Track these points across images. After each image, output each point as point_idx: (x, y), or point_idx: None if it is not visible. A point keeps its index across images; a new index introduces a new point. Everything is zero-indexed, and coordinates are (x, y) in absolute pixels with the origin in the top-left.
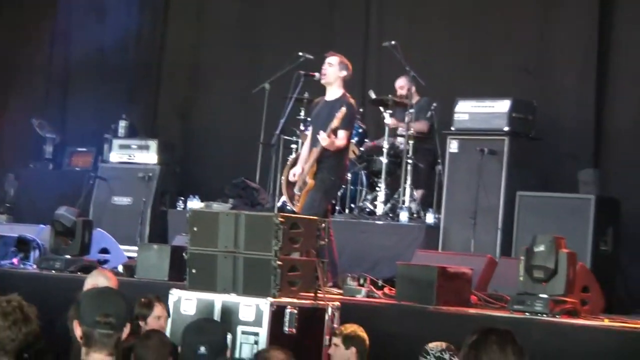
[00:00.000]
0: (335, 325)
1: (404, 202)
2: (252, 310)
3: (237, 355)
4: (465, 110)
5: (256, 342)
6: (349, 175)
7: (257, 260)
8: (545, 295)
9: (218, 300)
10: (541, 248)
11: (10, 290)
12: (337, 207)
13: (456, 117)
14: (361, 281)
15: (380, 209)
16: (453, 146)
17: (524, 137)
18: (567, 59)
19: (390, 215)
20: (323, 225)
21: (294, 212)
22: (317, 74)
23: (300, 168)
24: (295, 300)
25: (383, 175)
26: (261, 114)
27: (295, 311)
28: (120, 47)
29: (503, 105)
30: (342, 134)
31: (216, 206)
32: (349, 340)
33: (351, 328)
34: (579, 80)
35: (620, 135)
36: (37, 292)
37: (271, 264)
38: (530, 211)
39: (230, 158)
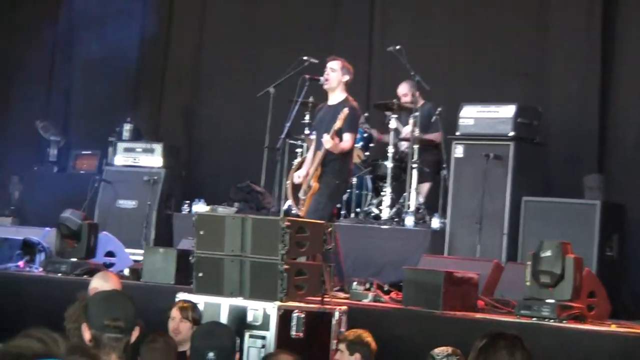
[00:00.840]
0: (342, 330)
1: (409, 207)
2: (260, 314)
3: (244, 359)
4: (471, 115)
5: (264, 346)
6: (354, 179)
7: (264, 264)
8: (552, 301)
9: (225, 304)
10: (548, 253)
11: (16, 293)
12: (342, 212)
13: (461, 122)
14: (368, 286)
15: (385, 213)
16: (458, 151)
17: (529, 142)
18: (571, 64)
19: (396, 219)
20: (329, 229)
21: (299, 216)
22: (321, 78)
23: (305, 172)
24: (302, 304)
25: (388, 180)
26: (266, 118)
27: (303, 315)
28: (124, 50)
29: (508, 111)
30: (346, 136)
31: (221, 210)
32: (353, 346)
33: (357, 333)
34: (583, 86)
35: (625, 140)
36: (43, 295)
37: (278, 267)
38: (536, 216)
39: (235, 162)
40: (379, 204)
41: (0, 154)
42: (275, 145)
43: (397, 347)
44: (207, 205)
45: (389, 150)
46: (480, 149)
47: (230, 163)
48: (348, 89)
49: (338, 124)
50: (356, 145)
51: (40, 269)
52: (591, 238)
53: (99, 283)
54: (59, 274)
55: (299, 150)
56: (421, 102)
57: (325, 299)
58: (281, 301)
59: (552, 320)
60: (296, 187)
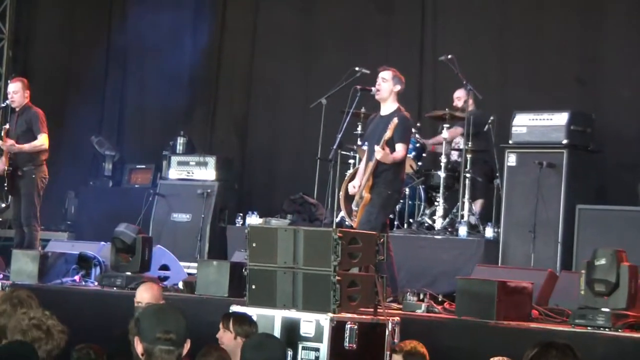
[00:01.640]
0: (395, 341)
1: (462, 217)
2: (313, 326)
3: None
4: (523, 123)
5: (317, 358)
6: (407, 189)
7: (316, 275)
8: (607, 309)
9: (278, 316)
10: (602, 261)
11: (72, 307)
12: (395, 222)
13: (514, 130)
14: (421, 296)
15: (439, 223)
16: (511, 160)
17: (582, 149)
18: (624, 69)
19: (449, 229)
20: (382, 240)
21: (352, 227)
22: (373, 89)
23: (358, 182)
24: (355, 316)
25: (441, 190)
26: (318, 129)
27: (356, 326)
28: (177, 63)
29: (561, 118)
30: (398, 147)
31: (275, 222)
32: (410, 356)
33: (411, 344)
34: (637, 91)
35: None
36: (99, 309)
37: (330, 279)
38: (590, 224)
39: (288, 173)
40: (432, 214)
41: (56, 170)
42: (327, 157)
43: (451, 358)
44: (260, 217)
45: (441, 160)
46: (534, 157)
47: (283, 175)
48: (400, 99)
49: (389, 134)
50: (408, 155)
51: (96, 283)
52: None
53: (143, 296)
54: (114, 288)
55: (351, 161)
56: (471, 108)
57: (378, 310)
58: (334, 313)
59: (607, 330)
60: (349, 198)
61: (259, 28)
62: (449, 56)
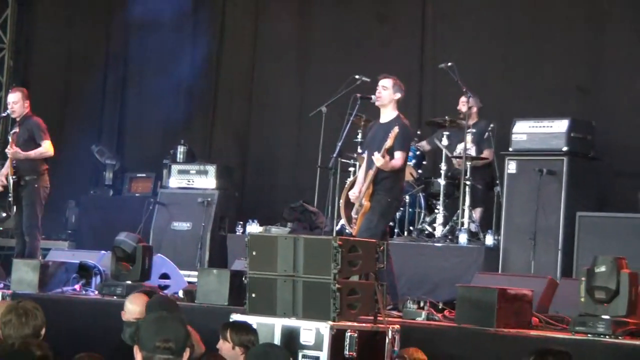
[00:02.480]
0: (395, 349)
1: (462, 224)
2: (312, 334)
3: None
4: (523, 130)
5: None
6: (407, 197)
7: (316, 283)
8: (607, 317)
9: (278, 324)
10: (602, 269)
11: (73, 316)
12: (396, 230)
13: (514, 137)
14: (421, 304)
15: (439, 231)
16: (511, 167)
17: (583, 157)
18: (624, 77)
19: (450, 237)
20: (382, 247)
21: (352, 235)
22: (373, 97)
23: (358, 190)
24: (355, 324)
25: (441, 197)
26: (318, 137)
27: (356, 335)
28: (176, 72)
29: (561, 125)
30: (397, 154)
31: (275, 230)
32: None
33: (409, 352)
34: (637, 99)
35: None
36: (99, 318)
37: (330, 287)
38: (591, 231)
39: (288, 181)
40: (432, 221)
41: (57, 179)
42: (327, 165)
43: None
44: (261, 225)
45: (441, 168)
46: (534, 164)
47: (284, 183)
48: (400, 106)
49: (389, 142)
50: (408, 163)
51: (96, 292)
52: None
53: (128, 308)
54: (115, 297)
55: (351, 169)
56: (475, 119)
57: (379, 318)
58: (334, 321)
59: (607, 337)
60: (349, 206)
61: (258, 37)
62: (449, 64)
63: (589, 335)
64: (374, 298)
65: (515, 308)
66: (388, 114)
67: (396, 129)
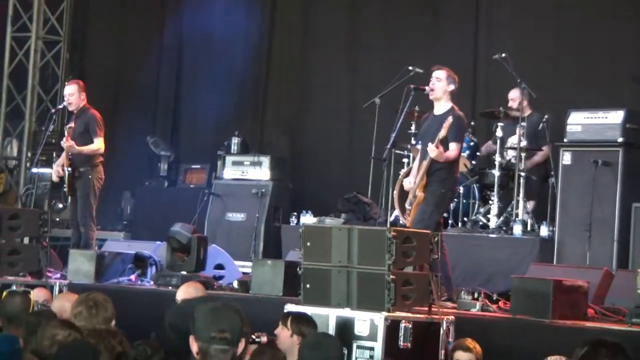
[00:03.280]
0: (450, 340)
1: (517, 215)
2: (367, 325)
3: None
4: (578, 121)
5: (371, 357)
6: (461, 188)
7: (371, 274)
8: None
9: (332, 315)
10: None
11: (128, 306)
12: (450, 221)
13: (569, 128)
14: (475, 295)
15: (493, 222)
16: (566, 158)
17: (638, 147)
18: None
19: (504, 228)
20: (436, 238)
21: (405, 226)
22: (427, 88)
23: (412, 181)
24: (409, 315)
25: (496, 188)
26: (372, 128)
27: (410, 325)
28: (229, 64)
29: (616, 116)
30: (452, 145)
31: (329, 221)
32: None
33: (466, 343)
34: None
35: None
36: (155, 308)
37: (385, 278)
38: None
39: (342, 172)
40: (487, 212)
41: (112, 170)
42: (381, 156)
43: (506, 357)
44: (315, 216)
45: (495, 159)
46: (589, 155)
47: (337, 174)
48: (453, 98)
49: (443, 133)
50: (462, 154)
51: (152, 283)
52: None
53: (181, 294)
54: (170, 287)
55: (405, 160)
56: (528, 111)
57: (433, 309)
58: (388, 312)
59: None
60: (403, 197)
61: (309, 27)
62: (503, 54)
63: None
64: (428, 289)
65: (570, 299)
66: (442, 105)
67: (450, 119)
